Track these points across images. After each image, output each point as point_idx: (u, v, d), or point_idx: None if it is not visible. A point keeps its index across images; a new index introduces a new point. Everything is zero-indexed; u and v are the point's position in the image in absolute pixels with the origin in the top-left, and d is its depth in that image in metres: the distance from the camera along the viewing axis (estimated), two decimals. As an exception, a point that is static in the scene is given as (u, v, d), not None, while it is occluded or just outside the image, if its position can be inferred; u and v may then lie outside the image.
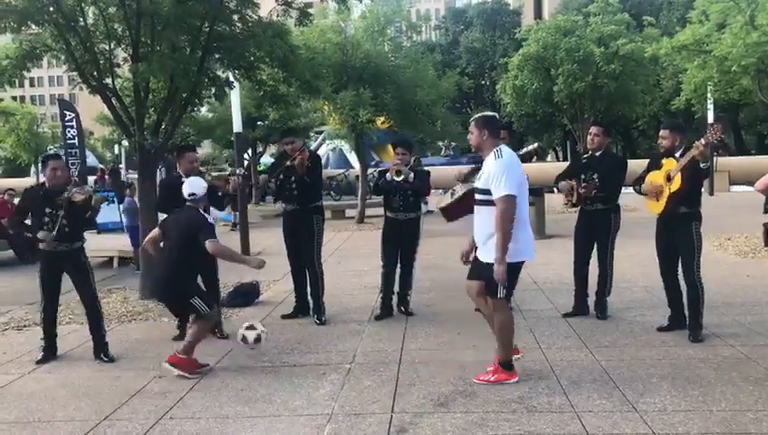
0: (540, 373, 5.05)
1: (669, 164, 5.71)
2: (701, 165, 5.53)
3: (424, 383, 4.94)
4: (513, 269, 4.75)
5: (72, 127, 15.72)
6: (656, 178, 5.86)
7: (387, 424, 4.21)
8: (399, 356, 5.65)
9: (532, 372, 5.10)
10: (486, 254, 4.77)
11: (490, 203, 4.69)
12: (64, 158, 15.48)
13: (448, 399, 4.60)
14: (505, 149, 4.79)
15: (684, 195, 5.65)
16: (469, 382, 4.90)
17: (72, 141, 15.71)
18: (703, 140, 5.42)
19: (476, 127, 4.87)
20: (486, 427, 4.10)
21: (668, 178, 5.69)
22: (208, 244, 5.25)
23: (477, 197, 4.86)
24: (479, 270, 4.87)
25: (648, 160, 6.29)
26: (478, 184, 4.86)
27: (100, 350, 5.95)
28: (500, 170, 4.64)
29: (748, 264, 9.43)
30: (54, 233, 5.74)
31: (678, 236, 5.83)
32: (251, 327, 5.54)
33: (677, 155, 5.72)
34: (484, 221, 4.79)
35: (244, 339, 5.50)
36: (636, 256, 9.08)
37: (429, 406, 4.49)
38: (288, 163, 6.85)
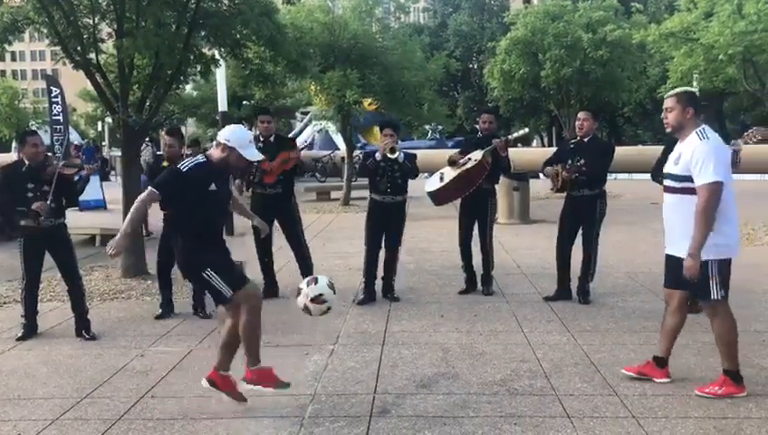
0: (522, 356, 5.09)
1: None
2: None
3: (407, 365, 4.96)
4: (724, 267, 4.23)
5: (57, 103, 15.51)
6: None
7: (369, 405, 4.22)
8: (383, 338, 5.66)
9: (514, 354, 5.13)
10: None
11: (689, 191, 4.11)
12: (50, 134, 15.35)
13: (431, 380, 4.62)
14: (710, 130, 4.19)
15: None
16: (451, 364, 4.93)
17: (58, 117, 15.52)
18: None
19: (679, 103, 4.21)
20: (468, 408, 4.13)
21: None
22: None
23: (672, 184, 4.25)
24: (681, 272, 4.19)
25: (663, 148, 6.28)
26: (674, 169, 4.23)
27: (82, 327, 5.92)
28: (707, 153, 4.03)
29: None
30: (50, 202, 5.67)
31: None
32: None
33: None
34: (683, 213, 4.15)
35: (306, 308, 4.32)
36: (619, 242, 9.15)
37: (412, 387, 4.51)
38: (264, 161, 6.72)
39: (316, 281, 4.29)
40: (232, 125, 4.46)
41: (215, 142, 4.34)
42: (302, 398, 4.36)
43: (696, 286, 4.26)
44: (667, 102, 4.31)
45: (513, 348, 5.30)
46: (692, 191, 4.11)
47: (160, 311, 6.52)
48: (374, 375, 4.75)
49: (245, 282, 4.16)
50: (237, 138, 4.12)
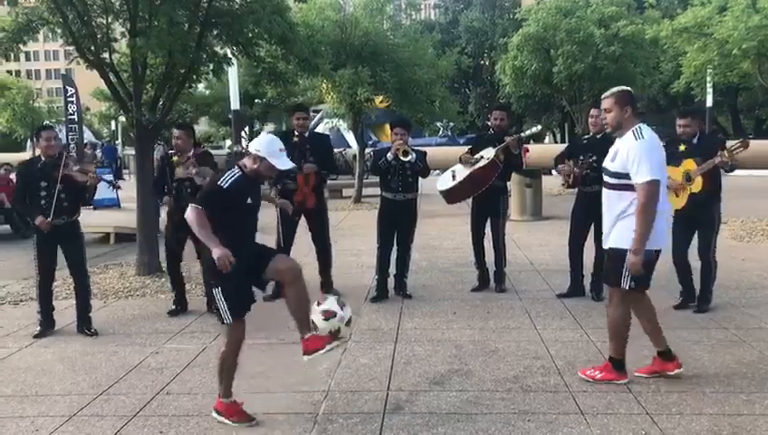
0: (535, 353, 5.09)
1: (688, 164, 5.89)
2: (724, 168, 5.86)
3: (420, 362, 4.97)
4: (647, 257, 4.24)
5: (72, 102, 15.71)
6: (673, 173, 5.92)
7: (383, 401, 4.24)
8: (396, 335, 5.68)
9: (527, 351, 5.13)
10: (614, 239, 4.30)
11: (624, 187, 4.22)
12: (65, 133, 15.55)
13: (444, 377, 4.63)
14: (646, 128, 4.28)
15: (705, 190, 5.86)
16: (464, 361, 4.93)
17: (73, 117, 15.72)
18: (726, 153, 5.72)
19: (617, 103, 4.27)
20: (481, 405, 4.14)
21: (688, 178, 5.89)
22: (189, 209, 4.04)
23: (609, 180, 4.34)
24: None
25: (665, 144, 6.33)
26: (610, 166, 4.31)
27: (83, 324, 6.00)
28: (643, 152, 4.12)
29: (744, 248, 9.46)
30: (50, 219, 5.72)
31: (699, 215, 5.98)
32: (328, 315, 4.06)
33: (695, 141, 5.86)
34: (613, 205, 4.31)
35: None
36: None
37: (425, 384, 4.52)
38: (296, 139, 6.80)
39: (326, 299, 4.14)
40: (264, 134, 4.37)
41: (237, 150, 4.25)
42: (315, 395, 4.38)
43: (609, 271, 4.35)
44: (605, 103, 4.35)
45: (527, 345, 5.30)
46: (626, 187, 4.21)
47: (173, 307, 6.58)
48: (387, 372, 4.77)
49: (242, 315, 4.08)
50: (267, 147, 4.08)
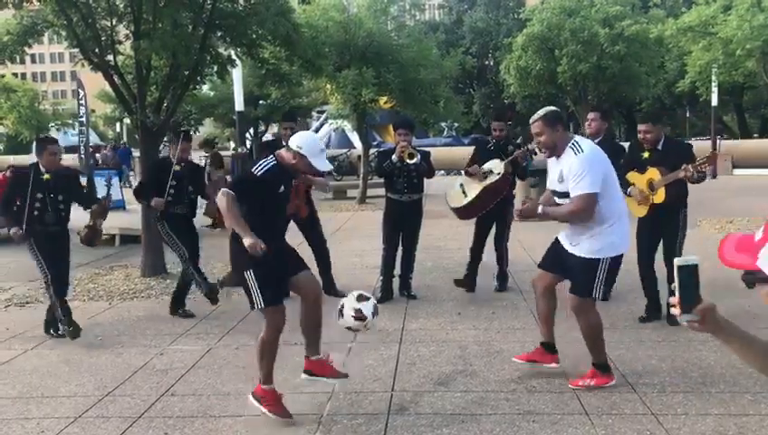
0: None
1: (652, 173, 5.67)
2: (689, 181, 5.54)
3: (424, 362, 4.97)
4: (615, 263, 4.31)
5: (83, 105, 15.82)
6: (637, 180, 5.80)
7: (387, 402, 4.24)
8: (400, 335, 5.68)
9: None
10: (586, 249, 4.28)
11: None
12: (78, 136, 15.69)
13: (448, 378, 4.63)
14: (583, 141, 4.28)
15: (668, 200, 5.66)
16: (469, 362, 4.93)
17: (82, 119, 15.83)
18: (690, 168, 5.38)
19: (547, 125, 4.22)
20: (486, 406, 4.13)
21: (652, 188, 5.68)
22: (219, 194, 4.00)
23: (562, 202, 4.34)
24: (566, 261, 4.39)
25: (628, 150, 6.25)
26: (559, 187, 4.30)
27: (51, 326, 5.97)
28: (582, 167, 4.12)
29: (749, 247, 9.42)
30: (23, 231, 5.66)
31: (663, 223, 5.79)
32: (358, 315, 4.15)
33: (659, 147, 5.73)
34: (576, 224, 4.33)
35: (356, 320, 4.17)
36: (635, 239, 9.08)
37: (429, 385, 4.52)
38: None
39: (367, 299, 4.18)
40: (304, 132, 4.38)
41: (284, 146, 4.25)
42: (319, 395, 4.38)
43: (579, 281, 4.35)
44: (535, 128, 4.31)
45: (531, 346, 5.26)
46: None
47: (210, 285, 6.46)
48: (392, 373, 4.77)
49: (279, 302, 4.09)
50: (309, 146, 4.06)
